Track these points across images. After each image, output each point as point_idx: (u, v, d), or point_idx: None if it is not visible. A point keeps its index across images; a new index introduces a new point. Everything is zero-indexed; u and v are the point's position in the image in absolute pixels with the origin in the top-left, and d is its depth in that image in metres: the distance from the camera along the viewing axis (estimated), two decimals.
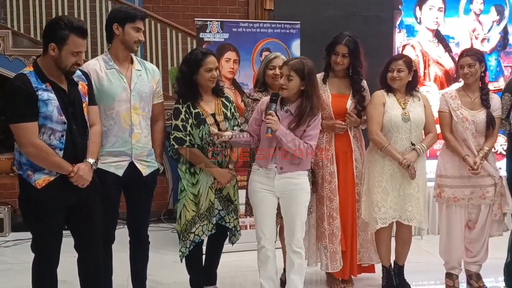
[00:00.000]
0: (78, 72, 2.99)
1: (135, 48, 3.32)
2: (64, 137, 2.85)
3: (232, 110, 3.56)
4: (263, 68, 3.78)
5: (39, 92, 2.77)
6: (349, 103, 3.86)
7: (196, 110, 3.40)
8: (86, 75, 3.08)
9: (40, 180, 2.83)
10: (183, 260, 3.52)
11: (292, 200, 3.38)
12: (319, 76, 3.96)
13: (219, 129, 3.39)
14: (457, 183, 3.85)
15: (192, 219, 3.42)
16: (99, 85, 3.20)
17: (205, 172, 3.42)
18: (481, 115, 3.80)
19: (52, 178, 2.85)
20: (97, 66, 3.25)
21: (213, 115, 3.44)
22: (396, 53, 5.26)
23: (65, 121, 2.84)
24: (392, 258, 3.99)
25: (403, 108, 3.77)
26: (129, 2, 6.57)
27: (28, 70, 2.85)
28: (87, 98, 3.00)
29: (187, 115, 3.39)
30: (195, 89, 3.44)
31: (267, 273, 3.47)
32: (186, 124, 3.38)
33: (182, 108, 3.40)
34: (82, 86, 2.99)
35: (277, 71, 3.66)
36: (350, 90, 3.89)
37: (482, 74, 3.86)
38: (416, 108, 3.79)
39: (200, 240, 3.45)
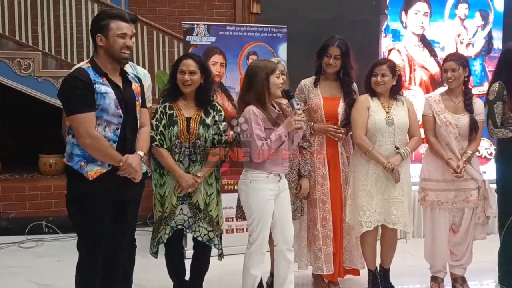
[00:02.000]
0: (131, 74, 3.10)
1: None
2: (119, 130, 2.91)
3: (216, 118, 3.50)
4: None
5: (97, 85, 2.85)
6: (341, 106, 3.90)
7: (172, 112, 3.42)
8: (138, 78, 3.15)
9: (92, 171, 2.85)
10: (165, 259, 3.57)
11: (286, 199, 3.46)
12: (310, 80, 3.98)
13: (189, 134, 3.38)
14: (441, 186, 3.89)
15: (159, 219, 3.45)
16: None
17: (171, 175, 3.41)
18: (464, 119, 3.83)
19: (104, 171, 2.87)
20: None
21: (188, 119, 3.42)
22: (382, 57, 5.30)
23: (121, 114, 2.91)
24: (378, 261, 4.01)
25: (387, 112, 3.79)
26: (115, 4, 6.59)
27: (86, 65, 2.93)
28: (139, 98, 3.07)
29: (162, 115, 3.41)
30: (175, 88, 3.46)
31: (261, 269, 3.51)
32: (159, 124, 3.39)
33: (159, 108, 3.43)
34: (135, 87, 3.07)
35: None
36: (341, 92, 3.93)
37: (466, 79, 3.89)
38: (400, 112, 3.82)
39: (163, 242, 3.47)
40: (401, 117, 3.80)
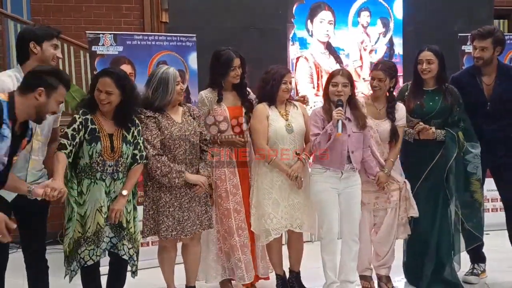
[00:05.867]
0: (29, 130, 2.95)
1: (54, 65, 3.22)
2: None
3: (135, 133, 3.42)
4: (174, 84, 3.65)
5: (4, 126, 2.67)
6: (244, 112, 3.97)
7: (94, 126, 3.26)
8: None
9: None
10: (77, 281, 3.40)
11: (353, 195, 3.83)
12: (209, 92, 3.98)
13: (113, 153, 3.28)
14: (362, 187, 3.94)
15: (78, 240, 3.27)
16: None
17: (92, 193, 3.27)
18: (384, 124, 3.94)
19: None
20: (11, 84, 3.07)
21: (111, 136, 3.31)
22: (290, 65, 5.41)
23: (5, 163, 2.75)
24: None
25: (286, 120, 3.87)
26: (16, 15, 6.32)
27: (3, 98, 2.72)
28: (19, 152, 2.92)
29: (80, 127, 3.23)
30: (93, 102, 3.31)
31: (334, 264, 3.83)
32: (76, 135, 3.20)
33: (79, 118, 3.25)
34: (25, 141, 2.91)
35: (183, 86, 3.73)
36: (239, 100, 4.00)
37: (392, 89, 3.99)
38: (297, 118, 3.93)
39: (85, 264, 3.29)
40: (299, 123, 3.91)
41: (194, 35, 5.10)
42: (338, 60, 5.73)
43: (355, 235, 3.85)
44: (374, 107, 4.01)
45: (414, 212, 3.96)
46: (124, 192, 3.34)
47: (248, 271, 3.92)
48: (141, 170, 3.50)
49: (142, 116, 3.58)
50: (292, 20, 5.59)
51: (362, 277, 4.16)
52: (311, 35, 5.67)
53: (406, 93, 4.10)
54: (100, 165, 3.26)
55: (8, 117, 2.70)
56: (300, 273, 4.08)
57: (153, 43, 4.96)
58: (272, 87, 3.85)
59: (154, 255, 4.01)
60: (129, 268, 3.51)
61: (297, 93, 5.22)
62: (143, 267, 4.18)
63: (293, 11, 5.60)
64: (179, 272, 3.92)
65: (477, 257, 4.32)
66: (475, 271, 4.30)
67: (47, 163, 3.32)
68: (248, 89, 4.08)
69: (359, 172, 3.90)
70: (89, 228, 3.26)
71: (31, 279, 3.36)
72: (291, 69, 5.36)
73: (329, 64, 5.66)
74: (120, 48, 4.80)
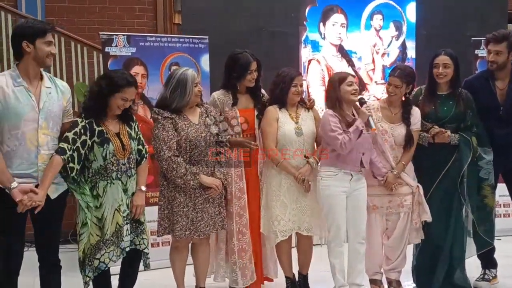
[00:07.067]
0: None
1: (49, 63, 3.22)
2: None
3: (136, 129, 3.46)
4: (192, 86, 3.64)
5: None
6: (256, 114, 3.97)
7: (100, 128, 3.27)
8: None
9: None
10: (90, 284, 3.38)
11: (360, 198, 3.83)
12: (222, 93, 3.97)
13: (124, 149, 3.31)
14: (375, 191, 3.94)
15: (97, 244, 3.27)
16: (5, 103, 3.05)
17: (109, 194, 3.28)
18: (399, 128, 3.92)
19: None
20: (3, 82, 3.09)
21: (118, 134, 3.33)
22: (302, 68, 5.42)
23: None
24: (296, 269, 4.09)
25: (296, 123, 3.88)
26: (31, 15, 6.36)
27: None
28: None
29: (83, 130, 3.21)
30: (102, 107, 3.30)
31: (342, 267, 3.83)
32: (77, 139, 3.18)
33: (81, 122, 3.23)
34: None
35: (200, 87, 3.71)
36: (252, 102, 4.00)
37: (408, 95, 3.96)
38: (308, 121, 3.93)
39: (106, 267, 3.30)
40: (309, 126, 3.91)
41: (207, 37, 5.12)
42: (350, 63, 5.72)
43: (361, 237, 3.85)
44: (389, 111, 3.98)
45: (427, 217, 3.94)
46: (143, 188, 3.42)
47: (243, 276, 3.90)
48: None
49: (160, 117, 3.60)
50: (304, 22, 5.60)
51: (372, 281, 4.14)
52: (324, 38, 5.67)
53: (421, 97, 4.07)
54: (115, 164, 3.29)
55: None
56: (307, 275, 4.07)
57: (166, 44, 4.99)
58: (282, 90, 3.86)
59: (164, 255, 4.02)
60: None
61: (309, 96, 5.22)
62: (153, 267, 4.20)
63: (306, 14, 5.61)
64: (188, 272, 3.93)
65: (489, 262, 4.29)
66: (486, 276, 4.27)
67: None
68: (262, 90, 4.07)
69: (367, 176, 3.89)
70: (107, 230, 3.28)
71: (44, 278, 3.37)
72: (303, 71, 5.38)
73: (341, 67, 5.65)
74: (133, 49, 4.83)
